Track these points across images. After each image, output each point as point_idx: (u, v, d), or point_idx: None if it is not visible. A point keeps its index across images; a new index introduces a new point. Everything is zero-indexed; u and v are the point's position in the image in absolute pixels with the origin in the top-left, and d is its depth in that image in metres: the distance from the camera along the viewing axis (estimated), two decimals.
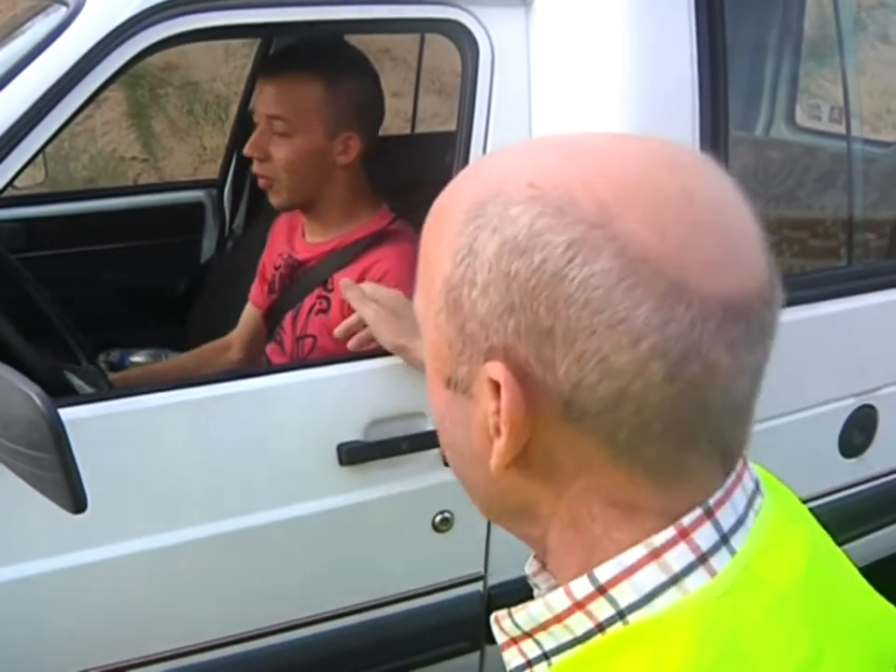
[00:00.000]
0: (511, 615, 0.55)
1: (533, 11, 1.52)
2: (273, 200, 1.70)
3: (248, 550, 1.42)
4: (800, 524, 0.57)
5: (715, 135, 1.55)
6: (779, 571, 0.52)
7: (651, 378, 0.47)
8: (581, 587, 0.51)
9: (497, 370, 0.49)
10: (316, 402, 1.43)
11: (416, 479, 1.48)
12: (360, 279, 1.65)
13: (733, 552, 0.50)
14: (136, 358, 2.27)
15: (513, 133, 1.52)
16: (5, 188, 1.28)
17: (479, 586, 1.61)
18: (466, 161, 1.50)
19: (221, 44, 5.10)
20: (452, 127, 1.64)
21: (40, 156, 2.38)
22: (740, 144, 2.28)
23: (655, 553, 0.49)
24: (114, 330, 2.25)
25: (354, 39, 2.31)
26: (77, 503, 1.02)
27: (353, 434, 1.43)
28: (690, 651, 0.47)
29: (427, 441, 1.47)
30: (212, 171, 3.96)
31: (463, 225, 0.50)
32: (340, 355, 1.49)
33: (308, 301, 1.71)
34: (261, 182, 1.68)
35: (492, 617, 0.57)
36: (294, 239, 1.81)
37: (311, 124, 1.63)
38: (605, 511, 0.51)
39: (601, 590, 0.50)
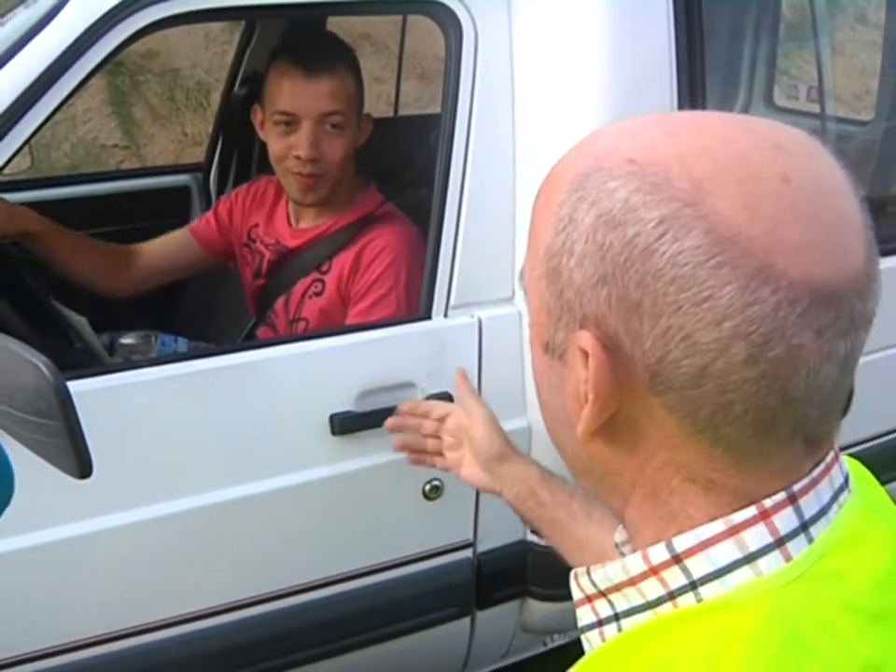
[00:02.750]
0: (589, 573, 0.57)
1: None
2: (311, 197, 1.70)
3: (243, 519, 1.46)
4: (888, 523, 0.56)
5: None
6: (856, 566, 0.52)
7: (734, 358, 0.48)
8: (658, 553, 0.52)
9: (585, 339, 0.51)
10: (308, 374, 1.47)
11: None
12: (357, 259, 1.69)
13: (811, 540, 0.51)
14: (126, 340, 2.28)
15: (498, 115, 1.56)
16: None
17: (469, 553, 1.65)
18: (451, 143, 1.53)
19: (201, 30, 5.10)
20: (435, 110, 1.68)
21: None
22: None
23: (733, 530, 0.50)
24: (104, 313, 2.27)
25: (334, 24, 2.34)
26: (83, 468, 1.06)
27: (345, 405, 1.47)
28: (756, 633, 0.48)
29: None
30: (194, 157, 3.96)
31: (567, 195, 0.52)
32: (329, 328, 1.53)
33: (301, 284, 1.74)
34: (307, 182, 1.67)
35: (571, 573, 0.59)
36: (277, 224, 1.82)
37: (353, 112, 1.68)
38: (684, 486, 0.52)
39: (676, 559, 0.51)
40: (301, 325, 1.73)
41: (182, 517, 1.41)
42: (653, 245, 0.48)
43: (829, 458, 0.54)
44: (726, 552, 0.50)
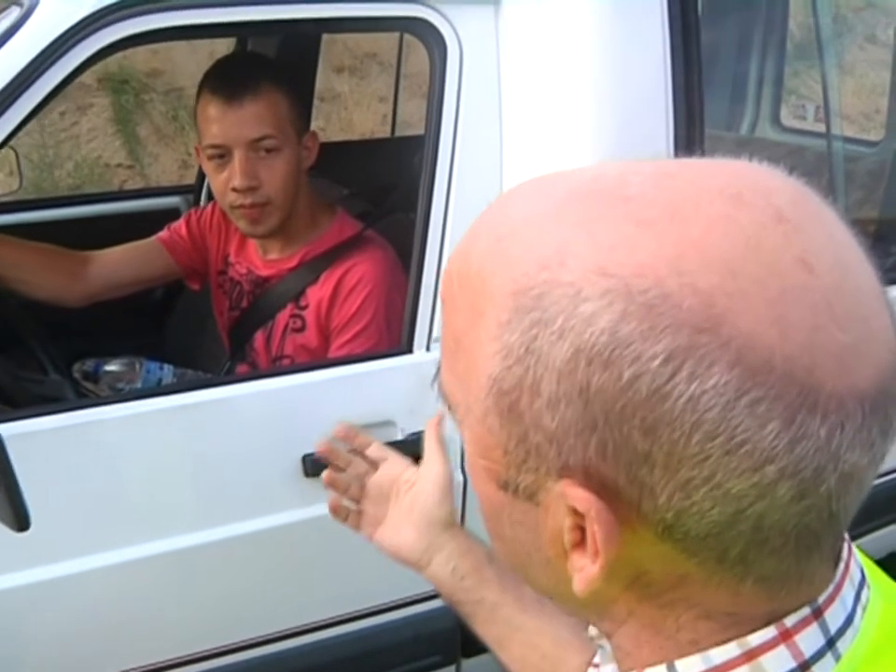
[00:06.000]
0: None
1: (503, 10, 1.48)
2: (261, 228, 1.61)
3: (211, 565, 1.38)
4: None
5: (690, 134, 1.51)
6: None
7: (778, 501, 0.39)
8: None
9: (583, 500, 0.40)
10: (280, 412, 1.39)
11: None
12: (335, 290, 1.61)
13: (838, 657, 0.43)
14: (110, 367, 2.23)
15: (483, 135, 1.48)
16: None
17: None
18: (434, 165, 1.45)
19: (206, 49, 5.07)
20: None
21: (15, 165, 2.35)
22: (720, 143, 2.25)
23: (750, 655, 0.42)
24: (89, 339, 2.21)
25: (341, 45, 2.28)
26: (20, 521, 0.98)
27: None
28: None
29: (395, 450, 1.43)
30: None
31: (512, 315, 0.40)
32: (302, 363, 1.45)
33: (280, 319, 1.67)
34: (252, 213, 1.59)
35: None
36: (247, 253, 1.75)
37: (288, 133, 1.60)
38: (696, 623, 0.43)
39: None
40: (286, 363, 1.65)
41: (144, 563, 1.33)
42: (664, 388, 0.38)
43: (845, 552, 0.46)
44: None
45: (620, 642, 0.47)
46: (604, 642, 0.58)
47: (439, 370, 0.48)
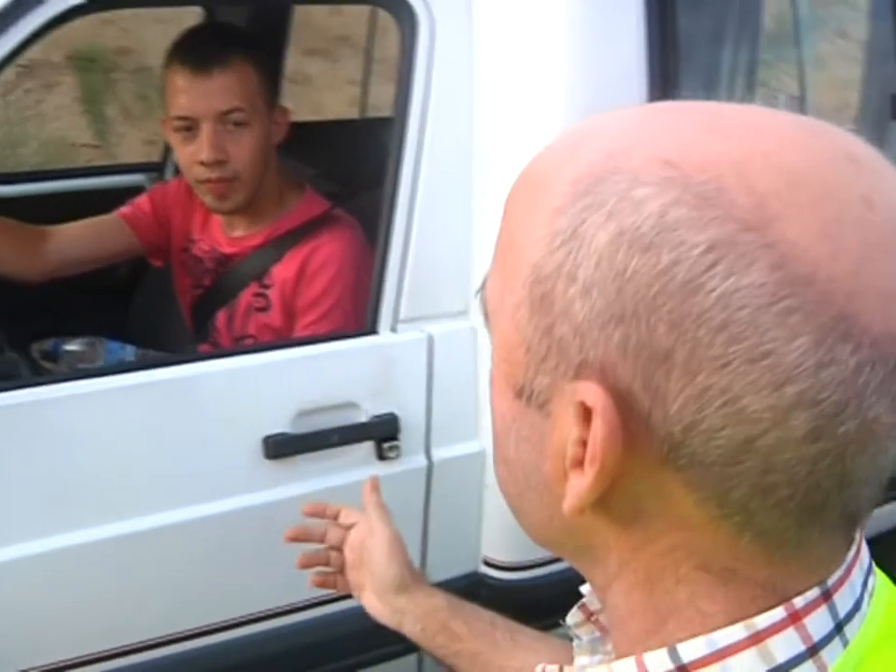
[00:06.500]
0: None
1: None
2: (227, 204, 1.58)
3: (167, 549, 1.34)
4: None
5: None
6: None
7: (791, 432, 0.37)
8: (658, 662, 0.41)
9: (592, 393, 0.39)
10: (240, 392, 1.36)
11: (348, 473, 1.41)
12: (300, 270, 1.58)
13: (846, 643, 0.41)
14: (71, 347, 2.18)
15: (455, 115, 1.45)
16: None
17: None
18: (402, 145, 1.42)
19: (175, 26, 5.00)
20: None
21: None
22: None
23: (756, 637, 0.40)
24: (52, 318, 2.16)
25: (309, 26, 2.24)
26: None
27: (280, 426, 1.36)
28: None
29: (359, 433, 1.40)
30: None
31: (568, 200, 0.40)
32: (264, 342, 1.42)
33: (243, 298, 1.63)
34: (218, 188, 1.55)
35: (538, 669, 0.48)
36: (211, 231, 1.71)
37: (259, 107, 1.56)
38: (695, 575, 0.42)
39: (682, 669, 0.41)
40: (248, 343, 1.62)
41: (96, 547, 1.29)
42: (699, 279, 0.37)
43: (858, 536, 0.44)
44: (748, 664, 0.40)
45: (614, 602, 0.45)
46: (581, 632, 0.56)
47: (484, 281, 0.47)
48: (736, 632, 0.40)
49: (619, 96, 1.46)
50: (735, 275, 0.36)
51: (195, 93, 1.51)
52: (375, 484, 0.99)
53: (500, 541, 1.54)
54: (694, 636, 0.41)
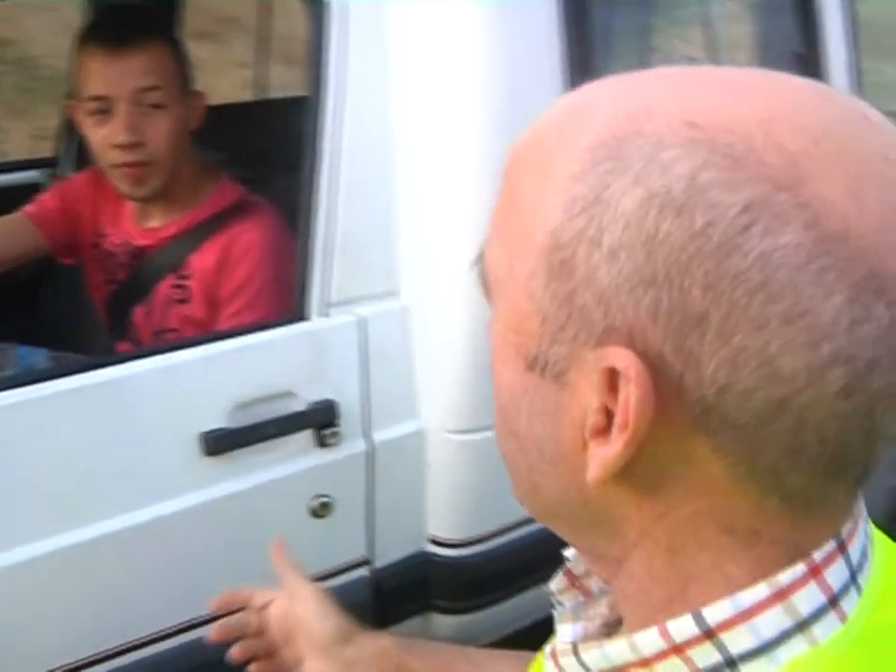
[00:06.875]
0: (576, 652, 0.45)
1: None
2: (143, 190, 1.53)
3: (106, 558, 1.29)
4: None
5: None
6: None
7: (826, 389, 0.37)
8: (683, 628, 0.41)
9: (623, 358, 0.38)
10: (172, 390, 1.31)
11: (289, 464, 1.39)
12: (221, 258, 1.53)
13: (860, 590, 0.42)
14: None
15: (371, 95, 1.42)
16: None
17: (365, 571, 1.52)
18: (319, 128, 1.39)
19: (61, 17, 4.79)
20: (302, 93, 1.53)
21: None
22: None
23: (781, 594, 0.40)
24: None
25: (198, 7, 2.17)
26: None
27: (216, 421, 1.32)
28: None
29: (296, 422, 1.38)
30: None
31: (588, 166, 0.39)
32: (192, 337, 1.38)
33: (161, 291, 1.58)
34: (134, 173, 1.51)
35: (547, 650, 0.47)
36: (123, 223, 1.65)
37: (175, 89, 1.52)
38: (719, 540, 0.42)
39: (709, 633, 0.41)
40: (171, 337, 1.56)
41: (26, 565, 1.22)
42: (736, 240, 0.36)
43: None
44: (775, 621, 0.40)
45: (629, 571, 0.45)
46: (564, 598, 0.55)
47: (480, 254, 0.46)
48: (761, 591, 0.41)
49: (537, 66, 1.46)
50: (772, 235, 0.36)
51: (111, 73, 1.47)
52: (281, 546, 0.95)
53: (445, 519, 1.54)
54: (719, 598, 0.41)
